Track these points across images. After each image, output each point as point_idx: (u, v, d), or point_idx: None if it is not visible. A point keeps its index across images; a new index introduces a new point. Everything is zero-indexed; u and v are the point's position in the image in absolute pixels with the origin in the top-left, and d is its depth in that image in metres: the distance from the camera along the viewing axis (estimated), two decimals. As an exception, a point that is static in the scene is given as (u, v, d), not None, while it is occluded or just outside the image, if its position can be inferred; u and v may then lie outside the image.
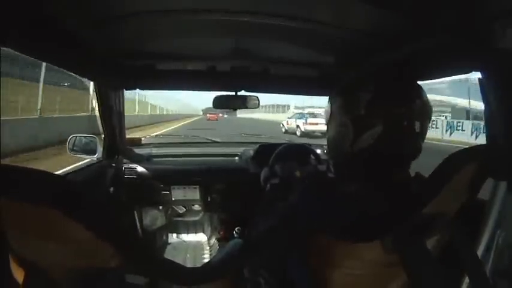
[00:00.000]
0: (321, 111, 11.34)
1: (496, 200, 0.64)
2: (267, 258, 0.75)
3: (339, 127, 0.66)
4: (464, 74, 0.75)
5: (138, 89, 1.60)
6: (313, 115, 13.33)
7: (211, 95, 1.49)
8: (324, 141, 0.89)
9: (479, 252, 0.64)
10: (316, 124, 12.17)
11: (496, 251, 0.63)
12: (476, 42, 0.62)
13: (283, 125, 15.79)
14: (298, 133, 13.22)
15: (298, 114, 15.08)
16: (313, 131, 12.10)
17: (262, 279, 0.73)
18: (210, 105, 1.52)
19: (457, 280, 0.63)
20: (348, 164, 0.68)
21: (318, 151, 1.82)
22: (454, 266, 0.56)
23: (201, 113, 53.39)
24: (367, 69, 1.13)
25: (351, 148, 0.64)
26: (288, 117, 16.06)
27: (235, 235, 1.78)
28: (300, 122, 13.38)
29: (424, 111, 0.62)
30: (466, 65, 0.72)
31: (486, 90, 0.62)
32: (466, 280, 0.62)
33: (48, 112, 8.65)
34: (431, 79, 0.91)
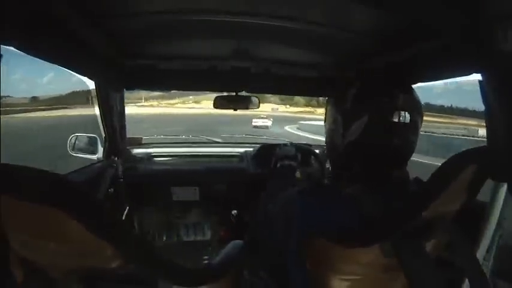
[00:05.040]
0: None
1: (496, 202, 0.64)
2: (266, 260, 0.75)
3: (332, 124, 0.69)
4: (465, 75, 0.75)
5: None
6: (260, 117, 25.09)
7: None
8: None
9: (479, 253, 0.64)
10: (257, 122, 22.95)
11: (495, 253, 0.63)
12: (477, 44, 0.62)
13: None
14: (252, 127, 22.46)
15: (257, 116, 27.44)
16: (258, 125, 21.99)
17: (262, 280, 0.73)
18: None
19: (456, 284, 0.63)
20: (343, 161, 0.69)
21: (317, 151, 1.82)
22: (453, 269, 0.56)
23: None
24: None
25: (342, 143, 0.66)
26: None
27: (232, 219, 1.83)
28: (253, 121, 23.62)
29: (410, 104, 0.63)
30: (466, 67, 0.72)
31: (487, 92, 0.62)
32: (466, 283, 0.62)
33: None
34: (431, 81, 0.90)
